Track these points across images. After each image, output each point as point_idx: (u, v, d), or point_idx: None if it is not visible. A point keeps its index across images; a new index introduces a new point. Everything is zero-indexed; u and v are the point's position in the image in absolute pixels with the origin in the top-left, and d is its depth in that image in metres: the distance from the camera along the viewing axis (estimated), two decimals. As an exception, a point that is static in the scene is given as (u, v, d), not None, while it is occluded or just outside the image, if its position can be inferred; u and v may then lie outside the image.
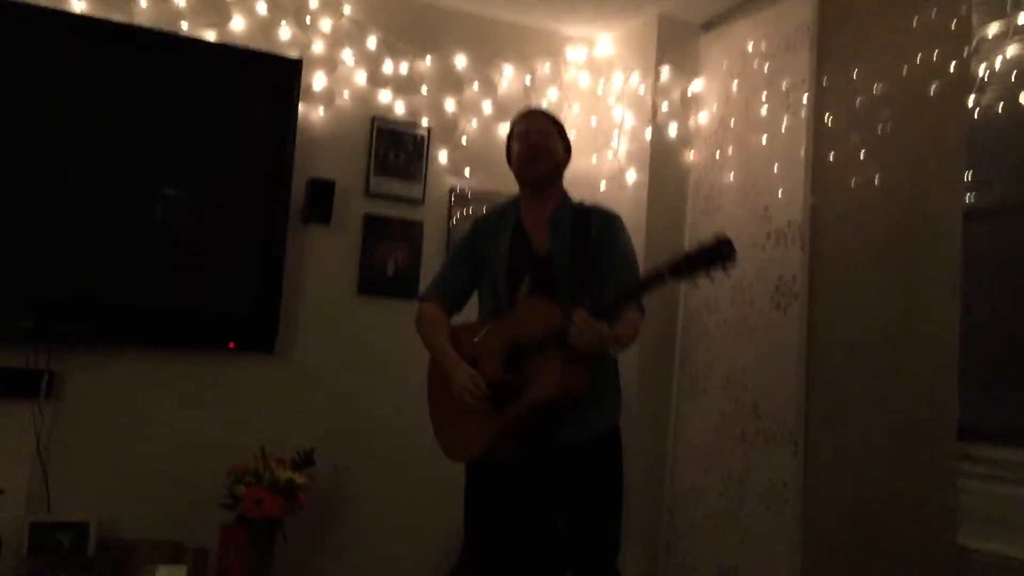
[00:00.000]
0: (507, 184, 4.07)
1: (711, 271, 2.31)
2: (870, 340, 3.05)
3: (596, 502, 2.72)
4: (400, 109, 3.96)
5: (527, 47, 4.21)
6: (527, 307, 2.70)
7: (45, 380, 3.30)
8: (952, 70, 2.92)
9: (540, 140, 2.83)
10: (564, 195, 2.89)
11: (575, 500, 2.72)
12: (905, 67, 3.06)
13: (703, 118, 3.95)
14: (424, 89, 4.01)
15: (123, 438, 3.47)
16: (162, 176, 3.51)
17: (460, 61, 4.07)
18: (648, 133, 3.94)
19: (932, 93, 2.96)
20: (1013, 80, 2.96)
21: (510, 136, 2.93)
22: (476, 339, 2.76)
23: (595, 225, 2.78)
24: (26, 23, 3.32)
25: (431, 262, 3.96)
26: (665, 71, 3.96)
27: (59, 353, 3.33)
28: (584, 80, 4.29)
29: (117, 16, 3.50)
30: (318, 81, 3.81)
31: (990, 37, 3.05)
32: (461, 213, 4.05)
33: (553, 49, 4.26)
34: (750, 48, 3.70)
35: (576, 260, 2.71)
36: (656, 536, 3.80)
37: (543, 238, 2.79)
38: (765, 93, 3.58)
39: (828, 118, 3.34)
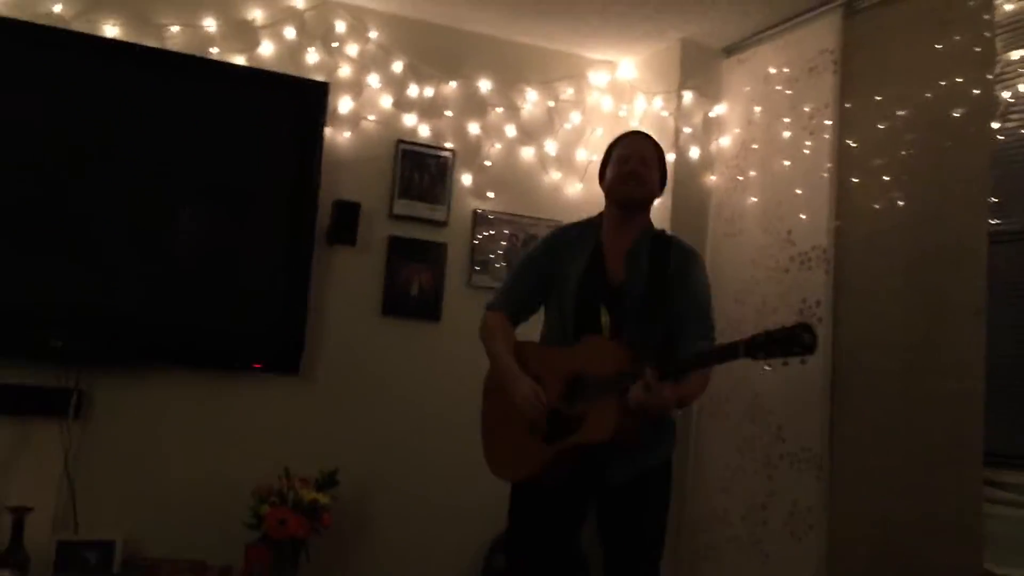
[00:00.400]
0: (530, 206, 4.15)
1: (787, 356, 2.20)
2: (895, 364, 3.05)
3: (641, 534, 2.69)
4: (425, 132, 4.00)
5: (550, 71, 4.25)
6: (597, 343, 2.63)
7: (74, 399, 3.34)
8: (976, 95, 2.92)
9: (640, 168, 2.74)
10: (649, 225, 2.81)
11: (620, 532, 2.70)
12: (929, 92, 3.08)
13: (725, 142, 3.97)
14: (448, 112, 4.06)
15: (150, 457, 3.51)
16: (191, 198, 3.56)
17: (484, 85, 4.12)
18: (671, 157, 3.95)
19: (956, 117, 2.97)
20: (1038, 105, 2.98)
21: (608, 156, 2.83)
22: (540, 360, 2.72)
23: (674, 260, 2.71)
24: (62, 48, 3.39)
25: (455, 283, 3.99)
26: (688, 95, 3.98)
27: (88, 372, 3.38)
28: (607, 104, 4.32)
29: (149, 41, 3.57)
30: (344, 104, 3.86)
31: (1014, 61, 3.06)
32: (484, 235, 4.08)
33: (576, 73, 4.30)
34: (773, 72, 3.72)
35: (651, 295, 2.64)
36: (679, 560, 3.78)
37: (619, 267, 2.72)
38: (788, 117, 3.60)
39: (851, 142, 3.35)
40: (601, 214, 2.85)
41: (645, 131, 3.04)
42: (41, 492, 3.30)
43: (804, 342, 2.14)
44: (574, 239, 2.83)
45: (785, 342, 2.17)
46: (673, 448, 2.78)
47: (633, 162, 2.74)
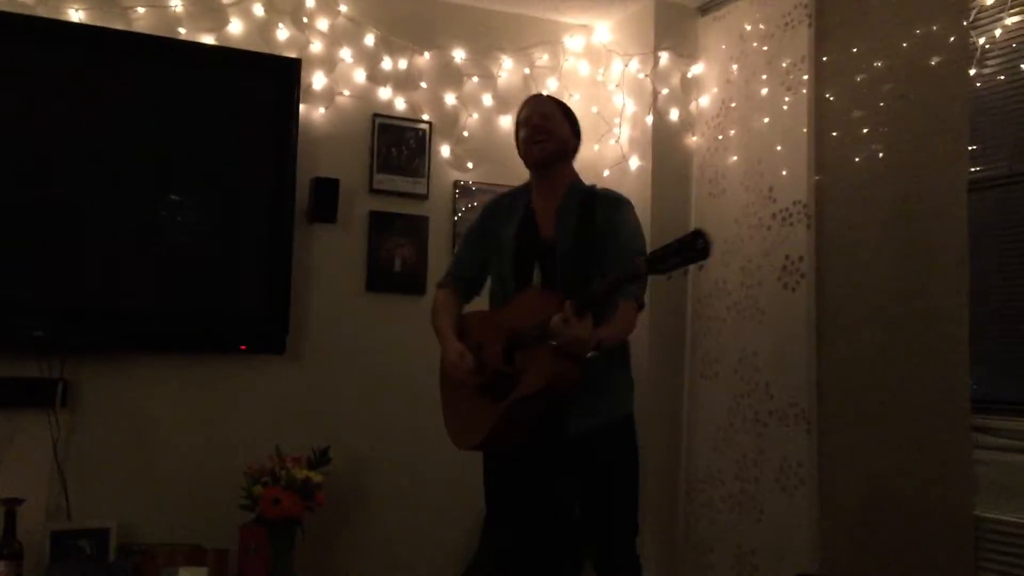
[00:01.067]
0: (511, 176, 4.09)
1: (685, 263, 2.27)
2: (879, 315, 3.05)
3: (612, 489, 2.73)
4: (400, 105, 3.97)
5: (525, 38, 4.21)
6: (526, 298, 2.70)
7: (60, 389, 3.32)
8: (952, 42, 2.91)
9: (541, 122, 2.82)
10: (574, 180, 2.88)
11: (591, 488, 2.73)
12: (905, 41, 3.06)
13: (704, 101, 3.95)
14: (423, 84, 4.02)
15: (139, 443, 3.49)
16: (166, 182, 3.52)
17: (459, 55, 4.08)
18: (650, 119, 3.94)
19: (933, 66, 2.96)
20: (1014, 48, 2.96)
21: (516, 124, 2.93)
22: (482, 327, 2.78)
23: (600, 210, 2.76)
24: (25, 34, 3.34)
25: (438, 256, 3.97)
26: (664, 56, 3.95)
27: (72, 362, 3.36)
28: (583, 68, 4.29)
29: (116, 24, 3.52)
30: (318, 80, 3.82)
31: (989, 6, 3.04)
32: (466, 207, 4.05)
33: (551, 38, 4.26)
34: (748, 29, 3.69)
35: (578, 247, 2.70)
36: (674, 520, 3.80)
37: (550, 224, 2.79)
38: (765, 74, 3.57)
39: (830, 95, 3.33)
40: (530, 180, 2.93)
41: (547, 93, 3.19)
42: (32, 483, 3.28)
43: (697, 246, 2.21)
44: (507, 206, 2.92)
45: (681, 250, 2.24)
46: (631, 400, 2.80)
47: (534, 120, 2.83)
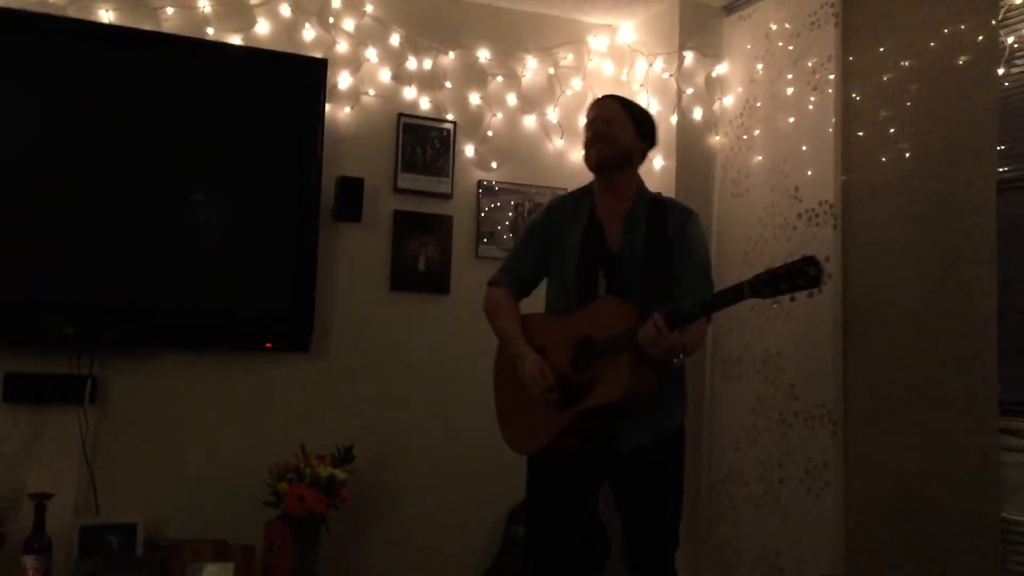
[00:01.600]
0: (535, 175, 4.13)
1: (794, 291, 2.21)
2: (907, 316, 3.03)
3: (659, 503, 2.71)
4: (425, 105, 3.98)
5: (549, 38, 4.22)
6: (599, 307, 2.64)
7: (89, 385, 3.36)
8: (980, 41, 2.89)
9: (602, 127, 2.76)
10: (640, 187, 2.82)
11: (637, 499, 2.72)
12: (932, 40, 3.04)
13: (728, 101, 3.94)
14: (448, 84, 4.03)
15: (166, 440, 3.53)
16: (194, 180, 3.55)
17: (483, 55, 4.09)
18: (674, 118, 3.94)
19: (961, 65, 2.94)
20: (1044, 48, 2.94)
21: (584, 127, 2.88)
22: (546, 330, 2.74)
23: (671, 222, 2.71)
24: (57, 35, 3.38)
25: (462, 256, 3.99)
26: (689, 56, 3.95)
27: (101, 358, 3.39)
28: (608, 68, 4.29)
29: (145, 25, 3.56)
30: (343, 80, 3.84)
31: (1018, 5, 3.02)
32: (490, 206, 4.06)
33: (575, 38, 4.26)
34: (774, 28, 3.68)
35: (650, 259, 2.65)
36: (697, 520, 3.79)
37: (617, 232, 2.74)
38: (791, 73, 3.56)
39: (856, 95, 3.32)
40: (592, 182, 2.87)
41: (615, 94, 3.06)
42: (61, 478, 3.32)
43: (809, 275, 2.14)
44: (570, 208, 2.85)
45: (789, 276, 2.17)
46: (683, 416, 2.78)
47: (596, 125, 2.78)
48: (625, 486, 2.72)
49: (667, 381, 2.63)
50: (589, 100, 4.17)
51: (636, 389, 2.49)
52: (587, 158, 2.80)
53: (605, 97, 2.95)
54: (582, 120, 4.10)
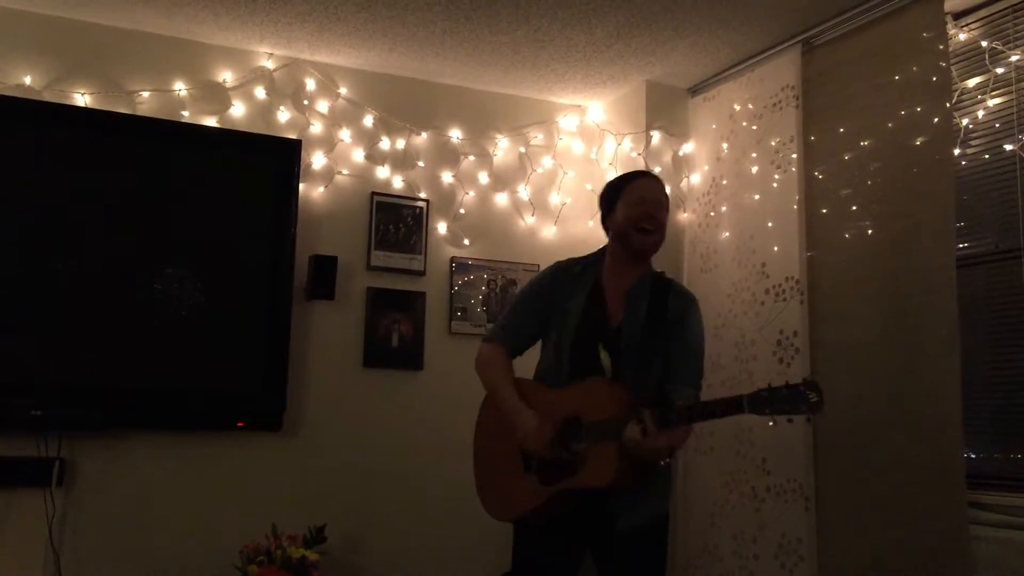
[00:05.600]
0: (506, 252, 4.18)
1: (793, 414, 2.20)
2: (874, 391, 3.07)
3: None
4: (398, 183, 4.04)
5: (519, 118, 4.31)
6: (593, 387, 2.59)
7: (56, 468, 3.31)
8: (936, 123, 2.99)
9: (657, 212, 2.68)
10: (649, 266, 2.78)
11: None
12: (890, 122, 3.14)
13: (696, 179, 4.03)
14: (421, 163, 4.10)
15: (135, 522, 3.47)
16: (167, 260, 3.56)
17: (455, 134, 4.17)
18: (642, 196, 4.00)
19: (918, 145, 3.03)
20: (997, 128, 3.04)
21: (616, 194, 2.75)
22: (537, 399, 2.69)
23: (672, 304, 2.68)
24: (34, 119, 3.42)
25: (435, 332, 4.01)
26: (656, 135, 4.05)
27: (69, 440, 3.36)
28: (577, 147, 4.38)
29: (121, 108, 3.60)
30: (317, 160, 3.90)
31: (971, 88, 3.14)
32: (462, 281, 4.10)
33: (545, 118, 4.36)
34: (737, 109, 3.79)
35: (646, 338, 2.62)
36: (673, 598, 3.76)
37: (619, 307, 2.69)
38: (755, 152, 3.66)
39: (818, 173, 3.41)
40: (603, 250, 2.80)
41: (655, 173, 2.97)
42: (27, 563, 3.26)
43: (810, 401, 2.11)
44: (575, 276, 2.78)
45: (790, 400, 2.15)
46: (670, 499, 2.76)
47: (650, 207, 2.68)
48: (614, 566, 2.67)
49: (658, 469, 2.61)
50: (560, 178, 4.30)
51: (620, 481, 2.46)
52: (639, 242, 2.68)
53: (654, 178, 2.83)
54: (554, 197, 4.26)
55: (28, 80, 3.50)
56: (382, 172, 4.02)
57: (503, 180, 4.24)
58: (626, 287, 2.70)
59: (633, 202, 2.69)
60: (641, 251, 2.71)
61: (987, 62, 3.09)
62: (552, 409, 2.62)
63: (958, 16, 3.19)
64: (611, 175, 4.15)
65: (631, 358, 2.61)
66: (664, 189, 2.77)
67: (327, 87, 3.96)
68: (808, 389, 2.14)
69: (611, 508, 2.59)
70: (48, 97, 3.51)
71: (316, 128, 3.92)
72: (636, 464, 2.45)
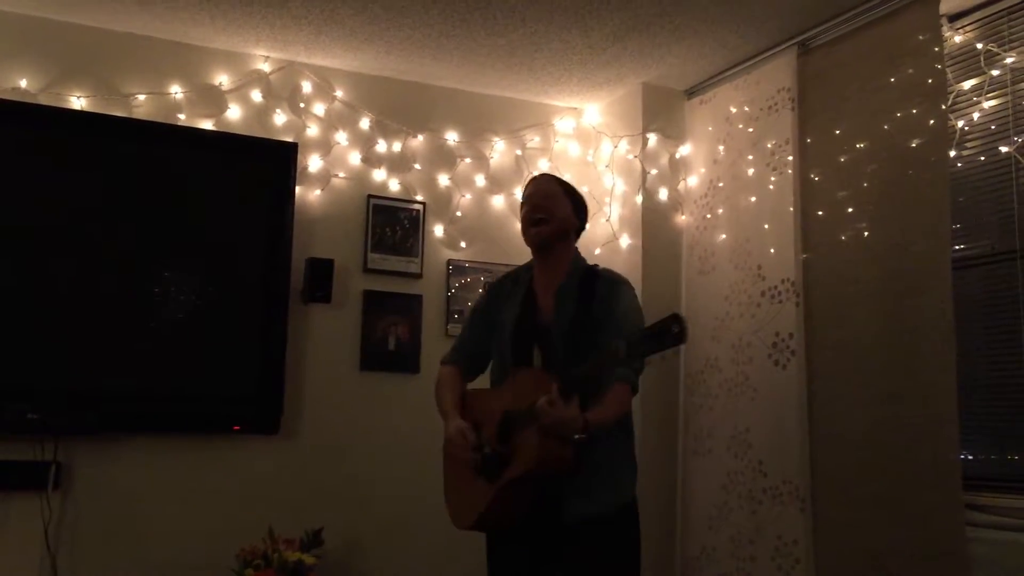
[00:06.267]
0: (503, 254, 4.18)
1: (663, 349, 2.24)
2: (870, 393, 3.07)
3: None
4: (395, 186, 4.04)
5: (516, 120, 4.31)
6: (522, 378, 2.67)
7: (52, 471, 3.31)
8: (931, 125, 3.00)
9: (542, 202, 2.79)
10: (576, 259, 2.85)
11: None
12: (886, 124, 3.15)
13: (692, 181, 4.03)
14: (417, 166, 4.10)
15: (132, 525, 3.47)
16: (163, 264, 3.56)
17: (451, 137, 4.17)
18: (639, 198, 4.02)
19: (914, 147, 3.04)
20: (992, 131, 3.05)
21: (521, 202, 2.90)
22: (480, 405, 2.78)
23: (599, 292, 2.74)
24: (30, 122, 3.42)
25: (432, 335, 4.00)
26: (652, 137, 4.05)
27: (66, 444, 3.35)
28: (574, 149, 4.38)
29: (117, 111, 3.60)
30: (314, 163, 3.90)
31: (966, 90, 3.14)
32: (459, 284, 4.10)
33: (542, 120, 4.36)
34: (734, 111, 3.79)
35: (576, 329, 2.68)
36: (670, 600, 3.76)
37: (549, 306, 2.76)
38: (751, 155, 3.66)
39: (814, 175, 3.41)
40: (532, 259, 2.92)
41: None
42: (23, 567, 3.26)
43: (672, 331, 2.17)
44: (510, 286, 2.90)
45: (658, 336, 2.20)
46: (634, 487, 2.74)
47: (534, 199, 2.81)
48: (569, 564, 2.66)
49: (608, 451, 2.62)
50: (556, 180, 4.29)
51: (546, 461, 2.47)
52: (527, 236, 2.82)
53: (541, 175, 3.02)
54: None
55: (24, 83, 3.50)
56: (378, 175, 4.02)
57: (500, 183, 4.24)
58: (555, 285, 2.77)
59: (522, 204, 2.86)
60: (536, 244, 2.81)
61: (982, 64, 3.10)
62: (489, 410, 2.69)
63: (953, 18, 3.19)
64: (608, 178, 4.18)
65: (565, 349, 2.65)
66: (553, 180, 2.91)
67: (323, 90, 3.96)
68: (672, 322, 2.18)
69: (560, 495, 2.58)
70: (44, 100, 3.50)
71: (312, 131, 3.92)
72: (565, 444, 2.46)
